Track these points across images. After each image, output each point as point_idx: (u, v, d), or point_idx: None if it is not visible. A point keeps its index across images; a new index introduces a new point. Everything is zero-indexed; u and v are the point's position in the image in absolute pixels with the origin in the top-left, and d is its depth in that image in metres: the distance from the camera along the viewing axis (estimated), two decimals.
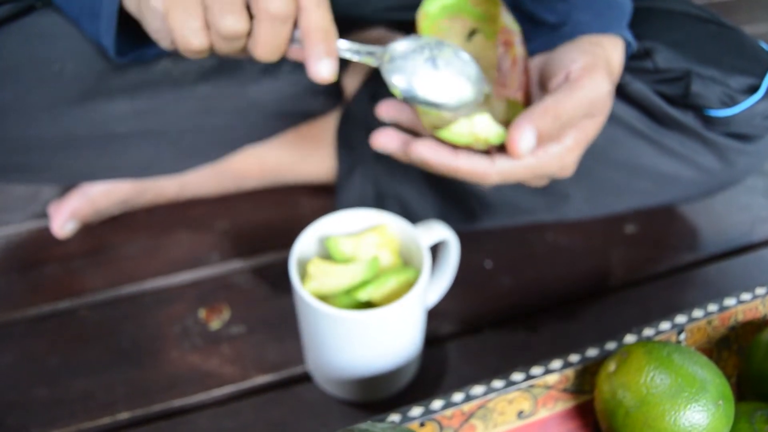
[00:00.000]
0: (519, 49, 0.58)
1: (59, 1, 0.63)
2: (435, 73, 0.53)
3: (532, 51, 0.61)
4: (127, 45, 0.60)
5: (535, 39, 0.61)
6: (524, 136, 0.50)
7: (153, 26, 0.51)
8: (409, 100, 0.52)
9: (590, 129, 0.56)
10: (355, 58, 0.53)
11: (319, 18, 0.49)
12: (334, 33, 0.50)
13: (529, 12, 0.63)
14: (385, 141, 0.56)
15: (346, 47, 0.52)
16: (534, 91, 0.60)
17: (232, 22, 0.48)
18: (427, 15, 0.61)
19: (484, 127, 0.52)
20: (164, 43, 0.53)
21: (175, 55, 0.70)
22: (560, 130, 0.53)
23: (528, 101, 0.58)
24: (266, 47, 0.50)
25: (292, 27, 0.50)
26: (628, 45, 0.62)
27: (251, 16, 0.49)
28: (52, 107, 0.68)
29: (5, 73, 0.66)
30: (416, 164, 0.55)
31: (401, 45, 0.53)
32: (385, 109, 0.60)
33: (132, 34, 0.59)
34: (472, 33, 0.62)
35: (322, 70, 0.49)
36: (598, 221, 0.85)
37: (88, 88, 0.68)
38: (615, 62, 0.60)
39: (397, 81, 0.52)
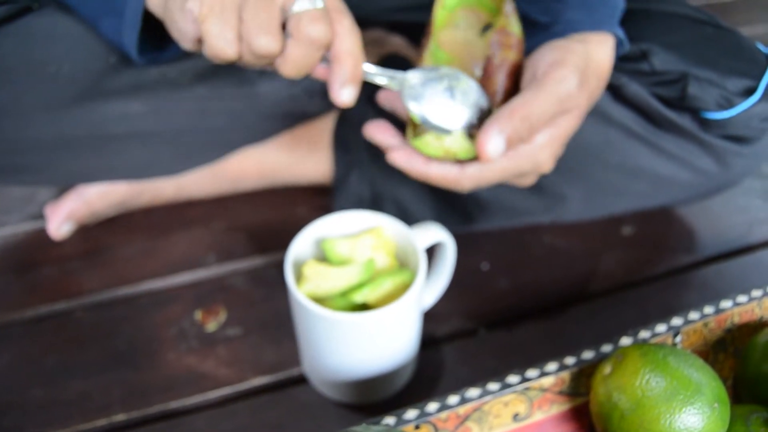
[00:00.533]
0: (511, 54, 0.58)
1: (73, 1, 0.63)
2: (451, 103, 0.55)
3: (525, 51, 0.62)
4: (145, 45, 0.60)
5: (528, 39, 0.61)
6: (492, 140, 0.52)
7: (181, 27, 0.51)
8: (424, 124, 0.54)
9: (565, 124, 0.57)
10: (377, 81, 0.54)
11: (351, 44, 0.50)
12: (362, 59, 0.51)
13: (523, 12, 0.63)
14: (375, 133, 0.58)
15: (371, 71, 0.54)
16: None
17: (266, 43, 0.49)
18: (444, 5, 0.62)
19: (454, 143, 0.54)
20: (186, 44, 0.53)
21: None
22: (531, 129, 0.54)
23: None
24: (296, 67, 0.51)
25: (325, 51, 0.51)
26: (620, 43, 0.62)
27: (286, 34, 0.50)
28: (49, 108, 0.68)
29: (2, 75, 0.66)
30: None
31: (419, 74, 0.55)
32: (384, 96, 0.62)
33: (150, 34, 0.59)
34: (486, 27, 0.62)
35: (344, 96, 0.51)
36: (595, 223, 0.85)
37: (84, 90, 0.68)
38: (601, 58, 0.59)
39: (413, 108, 0.54)
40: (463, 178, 0.55)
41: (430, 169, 0.55)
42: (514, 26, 0.59)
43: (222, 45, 0.49)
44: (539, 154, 0.56)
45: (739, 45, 0.71)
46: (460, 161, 0.56)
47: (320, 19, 0.48)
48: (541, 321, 0.74)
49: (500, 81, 0.58)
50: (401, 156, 0.56)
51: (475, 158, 0.55)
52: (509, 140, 0.52)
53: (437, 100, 0.54)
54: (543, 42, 0.60)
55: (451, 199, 0.79)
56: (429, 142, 0.55)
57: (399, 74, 0.54)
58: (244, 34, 0.49)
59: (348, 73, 0.50)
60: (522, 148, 0.55)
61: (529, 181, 0.60)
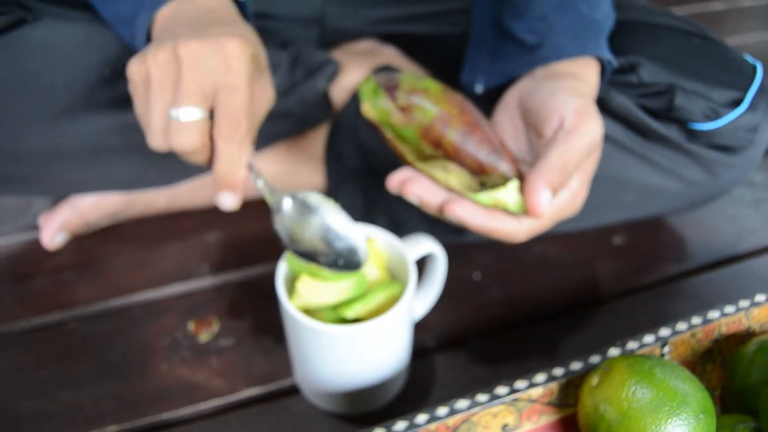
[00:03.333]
0: (458, 119, 0.60)
1: (96, 2, 0.64)
2: (315, 239, 0.56)
3: (511, 72, 0.63)
4: None
5: (513, 60, 0.62)
6: (542, 197, 0.53)
7: None
8: (288, 248, 0.54)
9: (590, 166, 0.59)
10: (258, 184, 0.54)
11: (226, 157, 0.50)
12: (240, 169, 0.51)
13: (509, 30, 0.63)
14: (423, 193, 0.57)
15: (259, 183, 0.54)
16: (516, 123, 0.62)
17: (149, 141, 0.51)
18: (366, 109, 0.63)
19: (507, 196, 0.55)
20: None
21: None
22: (568, 177, 0.55)
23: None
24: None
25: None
26: (608, 63, 0.64)
27: None
28: (42, 119, 0.68)
29: None
30: (448, 220, 0.57)
31: (293, 203, 0.55)
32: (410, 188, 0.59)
33: None
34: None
35: (222, 203, 0.51)
36: (585, 233, 0.85)
37: (78, 101, 0.68)
38: (593, 85, 0.62)
39: (280, 231, 0.54)
40: (520, 232, 0.56)
41: (490, 223, 0.56)
42: (429, 106, 0.61)
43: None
44: (577, 199, 0.58)
45: (726, 56, 0.71)
46: (509, 212, 0.56)
47: (185, 132, 0.49)
48: (533, 331, 0.75)
49: (475, 150, 0.60)
50: (463, 209, 0.55)
51: (522, 209, 0.56)
52: (553, 191, 0.54)
53: (307, 234, 0.55)
54: (529, 65, 0.62)
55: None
56: (482, 197, 0.55)
57: (278, 194, 0.54)
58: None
59: (223, 183, 0.51)
60: (562, 195, 0.57)
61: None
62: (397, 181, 0.58)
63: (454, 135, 0.60)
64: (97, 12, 0.66)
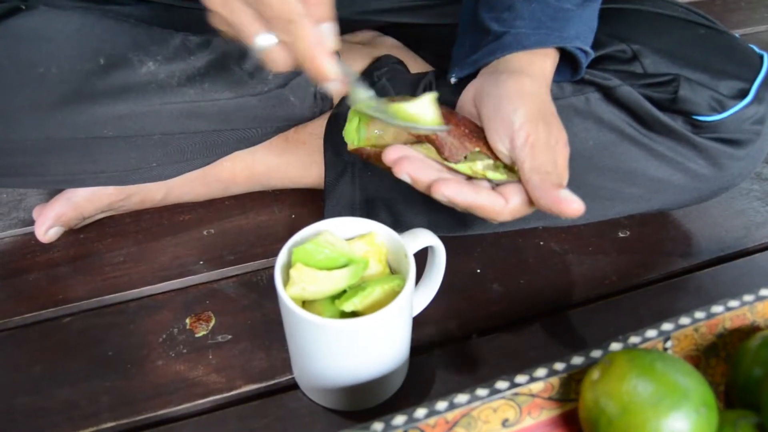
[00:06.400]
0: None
1: None
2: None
3: (478, 61, 0.65)
4: None
5: (480, 49, 0.62)
6: (566, 199, 0.54)
7: None
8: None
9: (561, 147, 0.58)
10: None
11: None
12: None
13: (480, 20, 0.64)
14: (414, 170, 0.58)
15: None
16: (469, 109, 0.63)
17: None
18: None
19: (420, 109, 0.57)
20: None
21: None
22: (553, 168, 0.56)
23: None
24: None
25: None
26: (580, 53, 0.65)
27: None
28: (36, 110, 0.67)
29: None
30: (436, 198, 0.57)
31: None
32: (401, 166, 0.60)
33: None
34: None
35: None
36: (590, 227, 0.84)
37: (72, 91, 0.68)
38: (544, 78, 0.63)
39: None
40: (505, 211, 0.57)
41: (478, 198, 0.56)
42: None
43: None
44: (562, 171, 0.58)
45: (731, 46, 0.70)
46: (489, 181, 0.58)
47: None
48: (535, 326, 0.73)
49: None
50: (452, 188, 0.56)
51: (438, 122, 0.57)
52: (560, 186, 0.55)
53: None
54: (492, 52, 0.64)
55: (444, 204, 0.78)
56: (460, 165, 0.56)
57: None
58: None
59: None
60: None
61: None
62: (393, 156, 0.58)
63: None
64: None
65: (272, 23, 0.50)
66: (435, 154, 0.59)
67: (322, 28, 0.50)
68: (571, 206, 0.53)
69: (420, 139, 0.59)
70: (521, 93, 0.59)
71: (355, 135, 0.62)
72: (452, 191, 0.55)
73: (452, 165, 0.58)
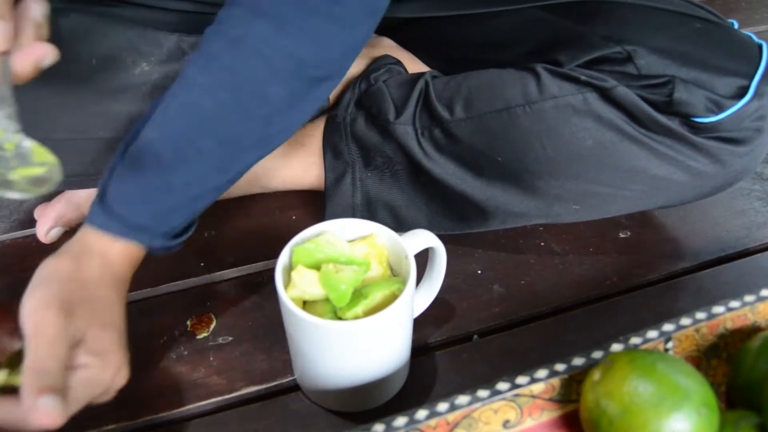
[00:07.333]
0: None
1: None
2: None
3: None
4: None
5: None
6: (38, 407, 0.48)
7: None
8: None
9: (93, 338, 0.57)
10: None
11: None
12: None
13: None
14: None
15: None
16: None
17: None
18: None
19: None
20: None
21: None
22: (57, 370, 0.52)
23: None
24: None
25: None
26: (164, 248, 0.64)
27: None
28: (32, 112, 0.67)
29: None
30: None
31: None
32: None
33: None
34: None
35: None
36: (591, 226, 0.84)
37: (66, 92, 0.68)
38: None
39: None
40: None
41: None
42: None
43: None
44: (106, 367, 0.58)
45: (729, 39, 0.69)
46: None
47: None
48: (536, 327, 0.74)
49: None
50: None
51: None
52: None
53: None
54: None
55: (444, 203, 0.78)
56: None
57: None
58: None
59: None
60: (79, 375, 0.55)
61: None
62: None
63: None
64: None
65: None
66: None
67: None
68: (39, 414, 0.48)
69: None
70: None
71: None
72: None
73: None
